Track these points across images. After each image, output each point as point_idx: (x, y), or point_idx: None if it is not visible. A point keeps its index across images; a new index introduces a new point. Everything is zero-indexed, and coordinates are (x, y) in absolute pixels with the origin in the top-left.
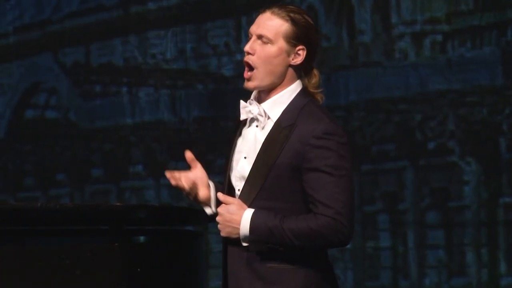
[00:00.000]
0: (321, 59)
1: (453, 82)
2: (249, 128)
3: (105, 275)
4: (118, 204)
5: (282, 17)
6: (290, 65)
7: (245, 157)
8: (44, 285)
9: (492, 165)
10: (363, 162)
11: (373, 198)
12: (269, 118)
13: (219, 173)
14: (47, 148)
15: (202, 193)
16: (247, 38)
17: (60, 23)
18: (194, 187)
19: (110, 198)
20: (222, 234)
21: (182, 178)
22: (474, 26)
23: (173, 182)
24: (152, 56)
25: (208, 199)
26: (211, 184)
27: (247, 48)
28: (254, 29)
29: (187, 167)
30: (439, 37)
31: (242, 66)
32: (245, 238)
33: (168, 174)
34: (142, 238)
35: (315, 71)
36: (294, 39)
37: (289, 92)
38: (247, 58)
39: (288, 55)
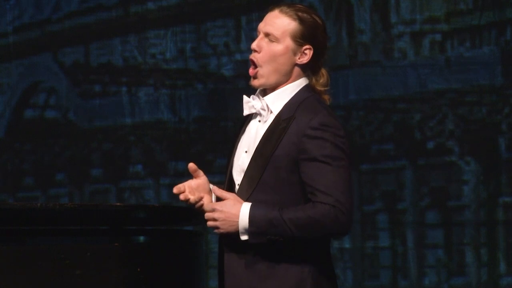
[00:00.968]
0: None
1: (452, 82)
2: (252, 123)
3: (105, 275)
4: (118, 204)
5: (290, 16)
6: (296, 64)
7: (246, 151)
8: (44, 285)
9: (491, 165)
10: (362, 161)
11: (372, 197)
12: (271, 112)
13: (219, 173)
14: (47, 148)
15: (205, 200)
16: (247, 38)
17: (59, 22)
18: (198, 196)
19: (110, 198)
20: (221, 230)
21: (187, 190)
22: (473, 25)
23: (181, 198)
24: (152, 56)
25: None
26: (212, 188)
27: (253, 45)
28: (262, 26)
29: (186, 166)
30: (438, 37)
31: (242, 66)
32: (245, 231)
33: (176, 190)
34: (142, 238)
35: (323, 71)
36: (301, 38)
37: (292, 87)
38: (253, 56)
39: (294, 54)
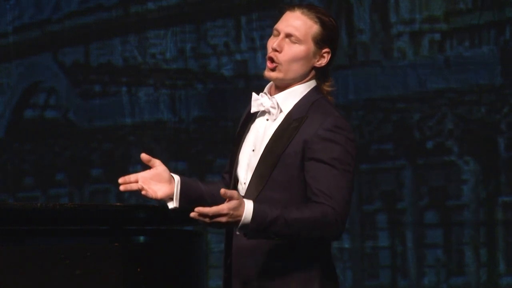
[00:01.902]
0: None
1: (452, 81)
2: (258, 121)
3: (105, 275)
4: (118, 204)
5: (311, 18)
6: (314, 67)
7: (253, 150)
8: (44, 285)
9: (491, 164)
10: (361, 161)
11: (371, 197)
12: (281, 111)
13: (219, 173)
14: (47, 148)
15: (162, 189)
16: (247, 38)
17: (59, 22)
18: (149, 185)
19: (110, 198)
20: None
21: (139, 180)
22: (472, 25)
23: (121, 188)
24: (152, 56)
25: (170, 194)
26: (176, 178)
27: (275, 45)
28: (282, 27)
29: (186, 166)
30: (438, 36)
31: (241, 66)
32: (245, 227)
33: (121, 180)
34: (142, 238)
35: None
36: (321, 41)
37: (303, 87)
38: (273, 55)
39: (314, 56)
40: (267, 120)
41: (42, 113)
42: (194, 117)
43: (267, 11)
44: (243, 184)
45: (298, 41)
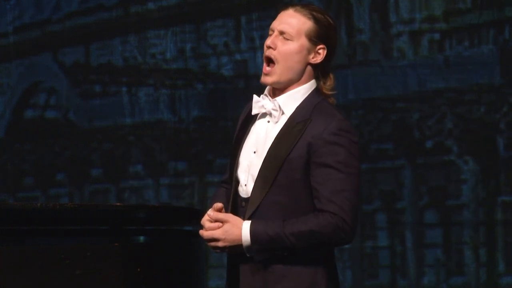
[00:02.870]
0: None
1: (451, 81)
2: (259, 123)
3: (105, 275)
4: (118, 204)
5: (305, 15)
6: (309, 64)
7: (254, 152)
8: (44, 285)
9: (490, 164)
10: (361, 161)
11: (371, 197)
12: (283, 113)
13: (219, 173)
14: (47, 148)
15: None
16: (247, 38)
17: (59, 23)
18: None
19: (110, 198)
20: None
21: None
22: (472, 24)
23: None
24: (152, 56)
25: None
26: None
27: (268, 42)
28: (276, 25)
29: (186, 166)
30: (437, 36)
31: (241, 66)
32: (249, 249)
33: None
34: (142, 238)
35: (331, 75)
36: (315, 38)
37: (304, 89)
38: (269, 52)
39: (309, 53)
40: (268, 122)
41: (42, 113)
42: (194, 117)
43: (267, 11)
44: (243, 185)
45: (291, 37)
